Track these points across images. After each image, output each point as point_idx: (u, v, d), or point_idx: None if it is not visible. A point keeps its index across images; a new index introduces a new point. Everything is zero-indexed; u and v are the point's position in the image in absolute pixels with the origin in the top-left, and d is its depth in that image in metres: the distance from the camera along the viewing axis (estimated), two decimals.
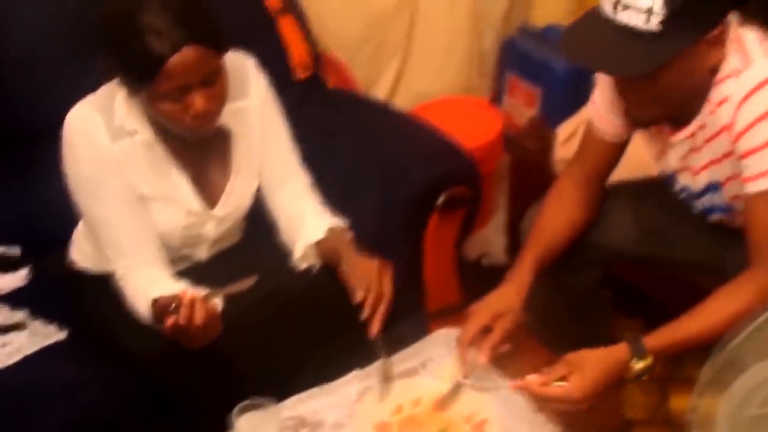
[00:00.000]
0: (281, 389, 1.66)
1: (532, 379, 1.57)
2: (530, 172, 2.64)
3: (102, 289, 1.77)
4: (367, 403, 1.69)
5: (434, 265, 2.31)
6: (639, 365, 1.56)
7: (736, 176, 1.59)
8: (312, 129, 2.06)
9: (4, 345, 1.87)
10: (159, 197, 1.75)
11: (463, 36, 2.92)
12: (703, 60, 1.52)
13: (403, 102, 2.87)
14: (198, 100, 1.60)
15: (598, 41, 1.50)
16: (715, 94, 1.56)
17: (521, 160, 2.75)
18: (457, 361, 1.71)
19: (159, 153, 1.74)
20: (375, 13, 2.80)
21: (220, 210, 1.83)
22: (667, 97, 1.56)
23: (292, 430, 1.65)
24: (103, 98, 1.71)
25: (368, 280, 1.73)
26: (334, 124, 2.38)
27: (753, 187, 1.54)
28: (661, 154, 1.76)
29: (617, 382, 1.59)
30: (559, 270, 1.84)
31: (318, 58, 2.52)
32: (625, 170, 1.90)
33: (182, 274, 1.78)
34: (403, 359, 1.77)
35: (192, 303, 1.54)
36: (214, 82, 1.62)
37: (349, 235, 1.86)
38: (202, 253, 1.89)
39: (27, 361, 1.84)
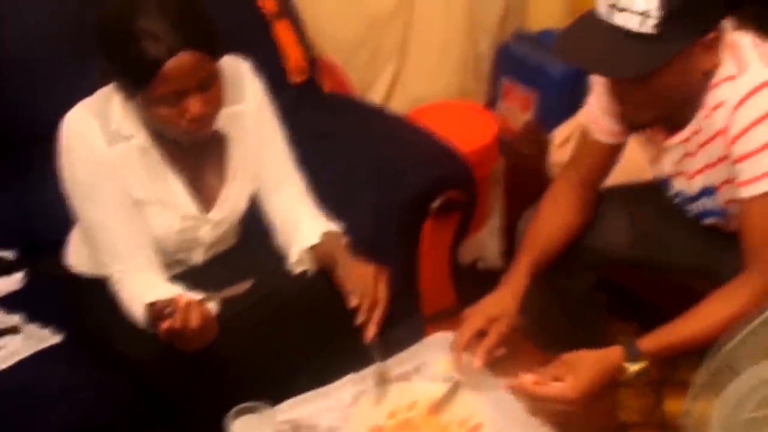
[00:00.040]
0: (276, 393, 1.66)
1: (527, 378, 1.58)
2: (525, 176, 2.64)
3: (97, 292, 1.77)
4: (361, 406, 1.69)
5: (429, 269, 2.31)
6: (634, 368, 1.56)
7: (730, 180, 1.60)
8: (307, 133, 2.06)
9: None
10: (154, 201, 1.75)
11: (458, 40, 2.92)
12: (698, 63, 1.52)
13: (398, 106, 2.87)
14: (194, 105, 1.60)
15: (594, 43, 1.50)
16: (711, 98, 1.56)
17: (516, 164, 2.75)
18: (452, 361, 1.71)
19: (154, 157, 1.74)
20: (371, 17, 2.81)
21: (215, 214, 1.83)
22: (661, 100, 1.56)
23: None
24: (99, 102, 1.71)
25: (363, 285, 1.73)
26: (329, 127, 2.38)
27: (748, 191, 1.54)
28: (656, 158, 1.77)
29: (612, 383, 1.59)
30: (555, 273, 1.85)
31: (314, 61, 2.52)
32: (621, 174, 1.90)
33: (178, 277, 1.78)
34: (398, 363, 1.77)
35: (187, 306, 1.54)
36: (210, 87, 1.62)
37: (344, 239, 1.86)
38: (198, 257, 1.89)
39: (22, 364, 1.84)
